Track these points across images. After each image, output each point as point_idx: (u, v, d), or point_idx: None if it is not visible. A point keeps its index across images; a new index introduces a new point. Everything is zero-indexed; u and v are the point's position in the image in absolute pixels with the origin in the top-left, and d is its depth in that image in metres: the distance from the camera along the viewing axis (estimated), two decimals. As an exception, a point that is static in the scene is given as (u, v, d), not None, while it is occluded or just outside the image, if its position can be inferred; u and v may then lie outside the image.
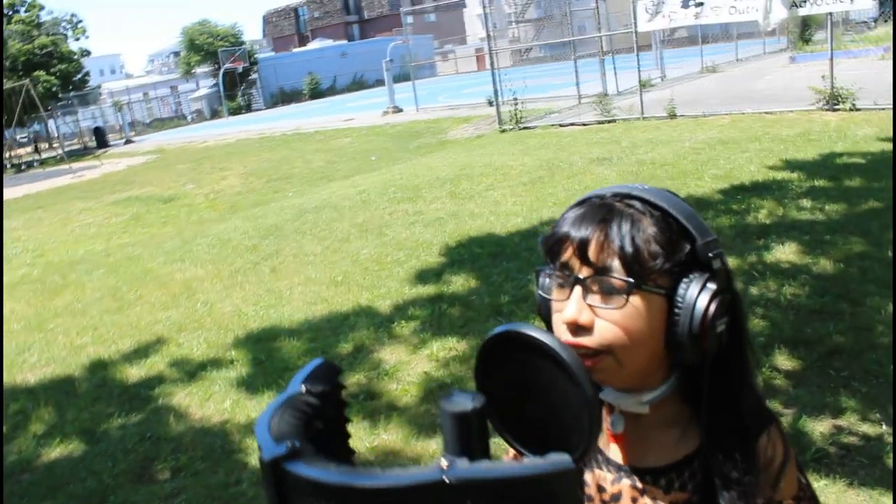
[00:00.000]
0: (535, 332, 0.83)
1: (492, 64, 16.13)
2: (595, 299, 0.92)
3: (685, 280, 0.92)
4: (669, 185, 8.17)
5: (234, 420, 4.34)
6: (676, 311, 0.91)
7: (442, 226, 8.09)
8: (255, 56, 46.67)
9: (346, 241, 8.05)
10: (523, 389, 0.86)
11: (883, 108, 10.84)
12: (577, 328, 0.92)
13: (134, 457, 4.10)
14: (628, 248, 0.90)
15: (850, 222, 6.04)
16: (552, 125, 15.09)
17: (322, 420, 0.77)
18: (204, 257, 8.32)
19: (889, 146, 8.58)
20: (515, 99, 15.59)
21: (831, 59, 11.24)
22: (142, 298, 7.14)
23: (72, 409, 4.87)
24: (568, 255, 0.94)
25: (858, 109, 11.03)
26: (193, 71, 46.37)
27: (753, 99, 13.27)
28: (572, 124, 14.79)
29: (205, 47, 44.17)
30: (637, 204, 0.95)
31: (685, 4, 11.75)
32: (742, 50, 23.50)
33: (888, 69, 13.90)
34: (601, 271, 0.91)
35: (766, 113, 12.02)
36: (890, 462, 3.21)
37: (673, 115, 13.22)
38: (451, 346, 4.92)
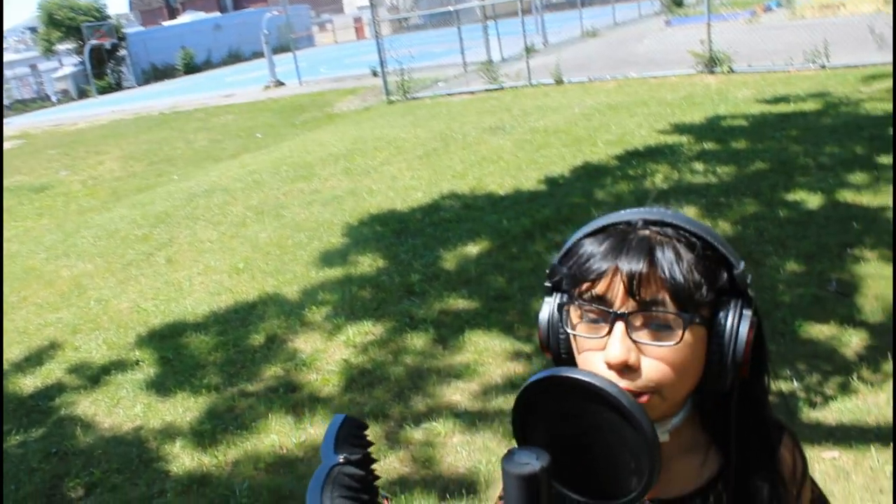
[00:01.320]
0: (587, 376, 0.78)
1: (376, 33, 15.89)
2: (641, 335, 0.86)
3: (724, 308, 0.88)
4: (565, 153, 8.34)
5: (149, 426, 4.13)
6: (718, 340, 0.87)
7: (340, 204, 7.94)
8: (123, 31, 44.31)
9: (243, 225, 7.79)
10: (572, 436, 0.81)
11: (757, 71, 11.34)
12: (625, 368, 0.86)
13: (40, 476, 3.84)
14: (679, 280, 0.85)
15: (742, 184, 6.27)
16: (440, 95, 15.04)
17: (366, 490, 0.75)
18: (91, 251, 7.87)
19: (769, 108, 8.97)
20: (402, 69, 15.43)
21: (708, 24, 11.62)
22: (26, 300, 6.69)
23: (-38, 427, 4.52)
24: (605, 287, 0.87)
25: (735, 72, 11.49)
26: (55, 48, 43.64)
27: (636, 63, 13.61)
28: (461, 93, 14.79)
29: (66, 22, 41.57)
30: (669, 231, 0.90)
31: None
32: (619, 13, 24.05)
33: (757, 32, 14.51)
34: (648, 305, 0.85)
35: (650, 77, 12.35)
36: (805, 416, 3.36)
37: (560, 81, 13.40)
38: (367, 331, 4.84)
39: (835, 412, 3.34)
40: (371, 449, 0.81)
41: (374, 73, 18.29)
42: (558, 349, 0.97)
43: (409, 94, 15.36)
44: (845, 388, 3.48)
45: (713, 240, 0.90)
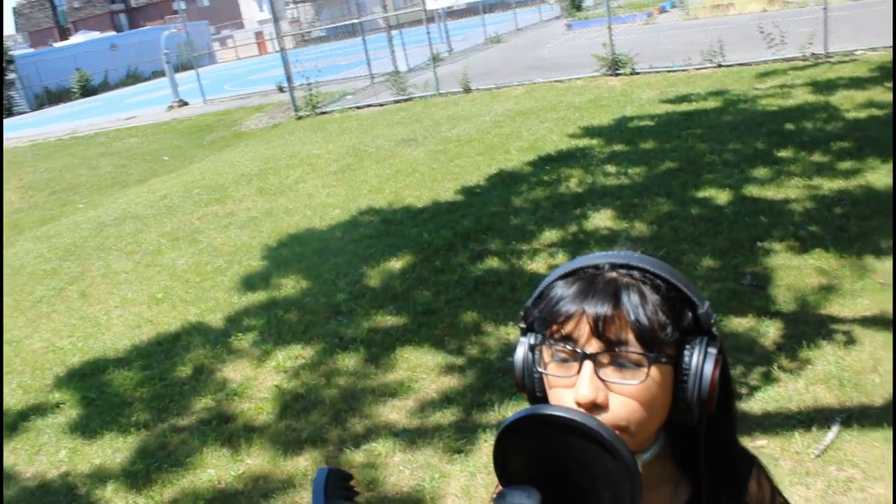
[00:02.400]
0: (567, 412, 0.81)
1: (281, 48, 15.72)
2: (609, 374, 0.89)
3: (688, 347, 0.91)
4: (479, 162, 8.43)
5: (76, 471, 3.97)
6: (684, 378, 0.91)
7: (258, 226, 7.82)
8: (11, 53, 42.52)
9: (158, 253, 7.59)
10: (554, 469, 0.83)
11: (658, 71, 11.71)
12: (593, 406, 0.89)
13: (-38, 533, 3.66)
14: (644, 321, 0.88)
15: (654, 184, 6.46)
16: (349, 108, 14.98)
17: None
18: (-4, 289, 7.53)
19: (673, 107, 9.27)
20: (309, 83, 15.27)
21: (609, 27, 11.95)
22: (-70, 346, 6.35)
23: None
24: (572, 328, 0.90)
25: (638, 73, 11.84)
26: (-63, 75, 41.56)
27: (541, 67, 13.86)
28: (369, 105, 14.77)
29: (-53, 48, 39.70)
30: (636, 273, 0.93)
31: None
32: (521, 18, 24.45)
33: (656, 33, 14.99)
34: (614, 345, 0.88)
35: (556, 81, 12.60)
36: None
37: (468, 89, 13.53)
38: (297, 354, 4.79)
39: (760, 402, 3.48)
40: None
41: (281, 89, 18.08)
42: (533, 388, 1.00)
43: (317, 108, 15.23)
44: (767, 378, 3.63)
45: (677, 281, 0.93)
